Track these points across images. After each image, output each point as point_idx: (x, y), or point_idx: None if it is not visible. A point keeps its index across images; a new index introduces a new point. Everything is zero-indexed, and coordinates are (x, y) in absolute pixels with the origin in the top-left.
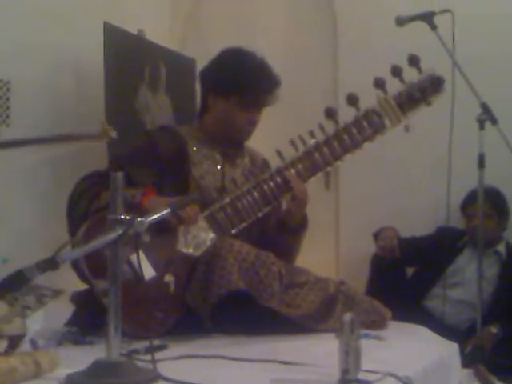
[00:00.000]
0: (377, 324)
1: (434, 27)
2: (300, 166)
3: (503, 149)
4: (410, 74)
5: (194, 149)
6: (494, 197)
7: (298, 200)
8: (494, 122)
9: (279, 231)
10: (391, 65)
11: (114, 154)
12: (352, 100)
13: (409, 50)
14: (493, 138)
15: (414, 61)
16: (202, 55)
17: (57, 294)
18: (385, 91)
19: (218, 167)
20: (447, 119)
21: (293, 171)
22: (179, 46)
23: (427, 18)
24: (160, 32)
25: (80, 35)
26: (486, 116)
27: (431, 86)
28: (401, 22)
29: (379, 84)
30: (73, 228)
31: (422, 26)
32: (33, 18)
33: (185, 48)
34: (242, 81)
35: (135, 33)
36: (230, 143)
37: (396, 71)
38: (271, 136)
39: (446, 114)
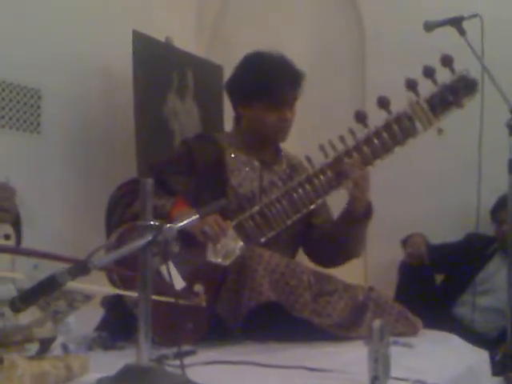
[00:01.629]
0: (406, 334)
1: (462, 33)
2: (329, 173)
3: None
4: (441, 74)
5: (232, 155)
6: None
7: (359, 186)
8: None
9: (344, 222)
10: (423, 65)
11: (152, 163)
12: (383, 103)
13: (437, 50)
14: None
15: (447, 61)
16: (229, 62)
17: (88, 298)
18: (417, 93)
19: (256, 174)
20: (476, 124)
21: (322, 177)
22: (206, 53)
23: (456, 23)
24: (187, 39)
25: (109, 44)
26: None
27: (464, 88)
28: (429, 27)
29: (411, 86)
30: (109, 235)
31: (450, 29)
32: (62, 27)
33: (212, 55)
34: (262, 85)
35: (163, 40)
36: (268, 147)
37: (428, 72)
38: (299, 138)
39: (476, 119)
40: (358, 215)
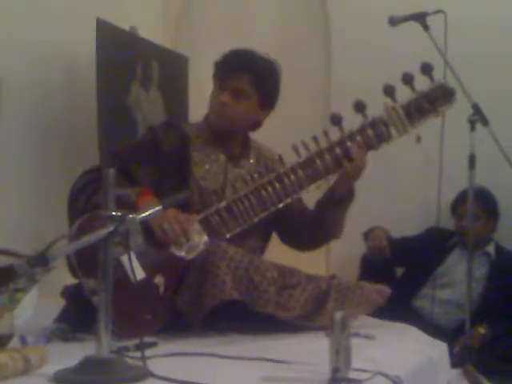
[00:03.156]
0: (371, 309)
1: (426, 28)
2: (300, 173)
3: (494, 149)
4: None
5: (198, 147)
6: (483, 197)
7: (356, 168)
8: (485, 123)
9: (328, 202)
10: (403, 72)
11: (116, 149)
12: (359, 107)
13: (401, 50)
14: (484, 139)
15: (426, 69)
16: (195, 53)
17: (48, 269)
18: (394, 99)
19: (221, 168)
20: (438, 119)
21: (293, 177)
22: (172, 44)
23: (420, 18)
24: (153, 29)
25: (72, 31)
26: (477, 117)
27: (442, 97)
28: (393, 22)
29: (388, 92)
30: (72, 223)
31: (414, 26)
32: (24, 13)
33: (177, 45)
34: (217, 64)
35: (127, 29)
36: (234, 139)
37: (407, 79)
38: (261, 136)
39: None
40: (342, 196)
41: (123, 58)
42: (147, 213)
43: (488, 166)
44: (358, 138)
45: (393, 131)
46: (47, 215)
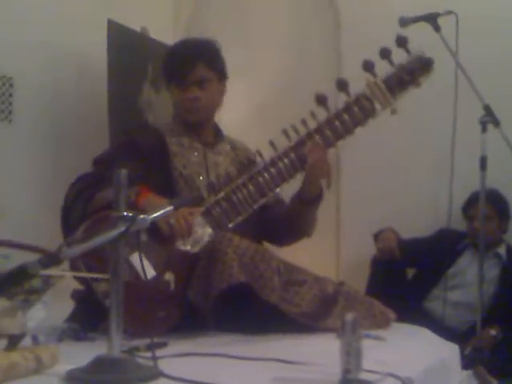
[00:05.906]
0: (376, 327)
1: (437, 29)
2: (293, 156)
3: (505, 151)
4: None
5: (173, 140)
6: (495, 199)
7: (315, 168)
8: (497, 124)
9: (297, 203)
10: (380, 47)
11: (95, 157)
12: (341, 85)
13: (412, 48)
14: (495, 140)
15: (402, 42)
16: None
17: (62, 275)
18: (374, 74)
19: (200, 155)
20: (450, 121)
21: (286, 160)
22: None
23: (431, 19)
24: (163, 29)
25: (83, 32)
26: (489, 118)
27: (420, 68)
28: (404, 22)
29: (368, 67)
30: (67, 232)
31: (425, 26)
32: (36, 14)
33: None
34: (164, 66)
35: (138, 30)
36: (205, 128)
37: (385, 53)
38: (270, 133)
39: (449, 115)
40: (311, 198)
41: (134, 59)
42: (158, 213)
43: (499, 168)
44: (345, 116)
45: (377, 105)
46: (58, 215)
